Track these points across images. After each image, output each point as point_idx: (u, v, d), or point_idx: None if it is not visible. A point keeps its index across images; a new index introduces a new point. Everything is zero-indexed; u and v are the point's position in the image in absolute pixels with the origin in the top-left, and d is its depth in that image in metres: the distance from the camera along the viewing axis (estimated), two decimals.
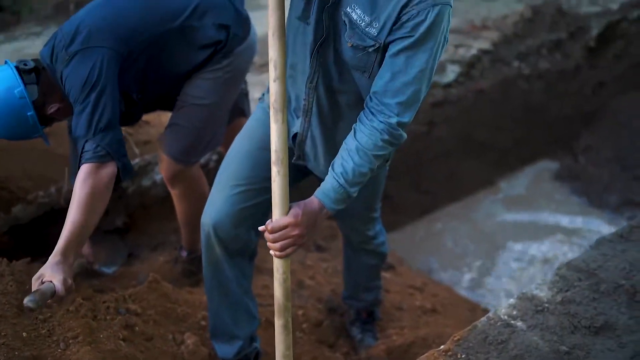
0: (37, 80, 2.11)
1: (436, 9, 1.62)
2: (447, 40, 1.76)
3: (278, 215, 1.67)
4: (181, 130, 2.46)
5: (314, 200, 1.72)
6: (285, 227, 1.66)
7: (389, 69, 1.67)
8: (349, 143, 1.72)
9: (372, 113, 1.70)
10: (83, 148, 2.06)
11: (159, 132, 3.32)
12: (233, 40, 2.37)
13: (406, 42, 1.65)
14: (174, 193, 2.64)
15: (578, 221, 4.40)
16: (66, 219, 2.00)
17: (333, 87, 1.86)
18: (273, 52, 1.60)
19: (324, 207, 1.72)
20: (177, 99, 2.46)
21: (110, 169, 2.08)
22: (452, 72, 4.14)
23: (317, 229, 1.78)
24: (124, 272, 2.80)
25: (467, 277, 3.87)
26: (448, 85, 4.13)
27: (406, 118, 1.69)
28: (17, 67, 2.09)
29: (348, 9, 1.73)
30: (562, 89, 4.86)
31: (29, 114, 2.09)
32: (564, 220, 4.41)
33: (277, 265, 1.70)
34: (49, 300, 1.88)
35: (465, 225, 4.28)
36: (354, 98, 1.86)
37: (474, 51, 4.25)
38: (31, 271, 2.16)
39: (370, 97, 1.71)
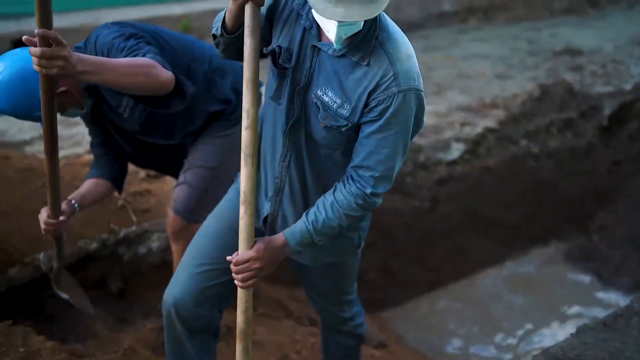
0: None
1: (400, 95, 1.70)
2: (423, 122, 1.85)
3: (243, 250, 1.81)
4: (189, 190, 2.59)
5: (280, 237, 1.85)
6: (247, 260, 1.79)
7: (362, 148, 1.77)
8: (327, 197, 1.83)
9: (351, 179, 1.80)
10: (144, 54, 2.11)
11: (158, 202, 3.43)
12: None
13: (376, 125, 1.74)
14: (176, 248, 2.72)
15: (588, 304, 4.28)
16: None
17: (304, 166, 1.92)
18: (246, 102, 1.73)
19: (287, 245, 1.84)
20: (186, 160, 2.62)
21: (167, 74, 2.08)
22: (456, 150, 4.17)
23: (277, 263, 1.88)
24: (110, 338, 2.82)
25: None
26: (453, 163, 4.15)
27: (380, 189, 1.80)
28: None
29: (319, 92, 1.80)
30: (574, 167, 4.84)
31: (38, 87, 2.19)
32: (574, 303, 4.30)
33: (240, 295, 1.84)
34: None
35: (470, 306, 4.20)
36: (324, 175, 1.91)
37: (479, 129, 4.29)
38: (11, 335, 2.20)
39: (350, 167, 1.81)
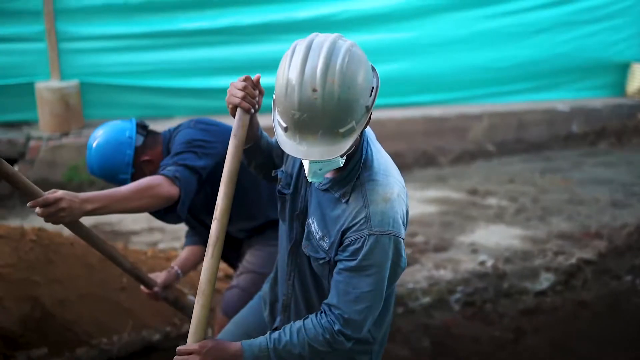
0: (145, 135, 2.63)
1: (372, 237, 1.68)
2: (402, 267, 1.79)
3: (190, 341, 1.74)
4: (239, 294, 2.72)
5: (236, 344, 1.77)
6: (188, 353, 1.71)
7: (334, 286, 1.76)
8: (297, 323, 1.80)
9: (324, 312, 1.78)
10: (164, 169, 2.38)
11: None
12: None
13: (348, 265, 1.72)
14: None
15: None
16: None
17: (308, 285, 1.96)
18: (219, 196, 1.81)
19: (241, 356, 1.75)
20: (239, 265, 2.81)
21: (174, 191, 2.32)
22: (545, 280, 3.94)
23: None
24: None
25: None
26: (541, 293, 3.90)
27: (349, 331, 1.74)
28: (137, 122, 2.64)
29: (310, 220, 1.86)
30: None
31: (128, 151, 2.55)
32: None
33: None
34: (24, 187, 1.94)
35: None
36: (325, 296, 1.93)
37: (574, 260, 4.02)
38: None
39: (324, 302, 1.80)
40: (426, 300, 3.78)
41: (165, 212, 2.43)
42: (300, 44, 1.61)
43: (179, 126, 2.66)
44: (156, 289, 2.69)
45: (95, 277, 3.32)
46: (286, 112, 1.59)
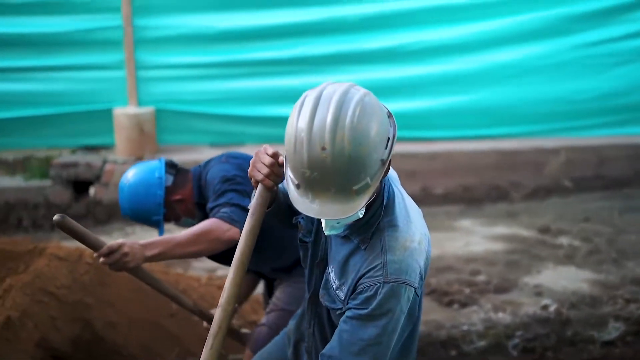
0: (175, 174, 2.66)
1: (387, 286, 1.61)
2: (418, 319, 1.71)
3: None
4: (269, 332, 2.68)
5: None
6: None
7: (337, 335, 1.67)
8: None
9: None
10: (217, 211, 2.38)
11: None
12: None
13: (357, 313, 1.64)
14: None
15: None
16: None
17: (327, 335, 1.89)
18: (227, 281, 1.72)
19: None
20: (270, 301, 2.81)
21: (234, 233, 2.32)
22: (614, 330, 3.67)
23: None
24: None
25: None
26: (609, 343, 3.64)
27: None
28: (165, 161, 2.68)
29: (329, 268, 1.81)
30: None
31: (158, 192, 2.58)
32: None
33: None
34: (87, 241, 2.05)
35: None
36: None
37: None
38: None
39: (319, 354, 1.71)
40: (482, 344, 3.61)
41: (222, 254, 2.44)
42: (310, 94, 1.56)
43: (209, 162, 2.66)
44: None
45: (146, 302, 3.37)
46: (296, 169, 1.53)
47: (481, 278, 4.32)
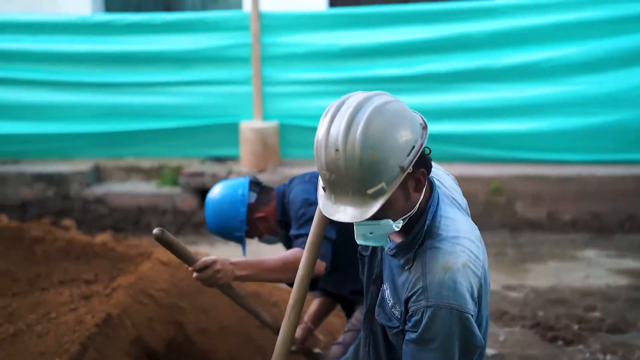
0: (259, 192, 2.73)
1: (430, 310, 1.57)
2: (477, 345, 1.62)
3: None
4: (342, 350, 2.71)
5: None
6: None
7: (403, 357, 1.67)
8: None
9: None
10: (303, 242, 2.40)
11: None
12: None
13: (412, 336, 1.63)
14: None
15: None
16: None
17: (380, 354, 1.88)
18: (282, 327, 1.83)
19: None
20: (348, 321, 2.84)
21: (321, 267, 2.40)
22: None
23: None
24: None
25: None
26: None
27: None
28: (250, 179, 2.76)
29: (384, 285, 1.80)
30: None
31: (241, 209, 2.66)
32: None
33: None
34: (183, 256, 2.16)
35: None
36: None
37: None
38: None
39: None
40: None
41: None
42: (336, 102, 1.60)
43: (292, 180, 2.70)
44: (294, 347, 2.74)
45: (237, 311, 3.46)
46: (320, 171, 1.59)
47: (595, 315, 3.99)
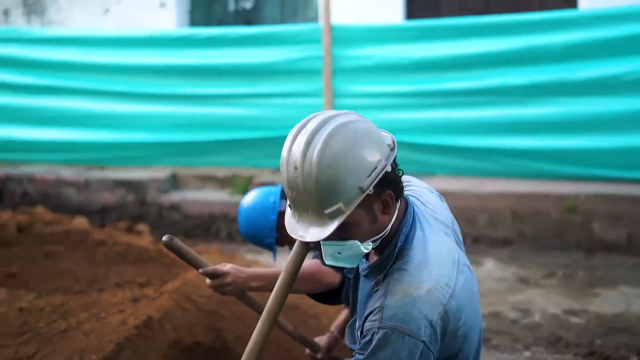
0: None
1: (381, 332, 1.54)
2: None
3: None
4: None
5: None
6: None
7: None
8: None
9: None
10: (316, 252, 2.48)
11: None
12: None
13: (359, 358, 1.60)
14: None
15: None
16: None
17: None
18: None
19: None
20: None
21: (335, 279, 2.38)
22: None
23: None
24: None
25: None
26: None
27: None
28: (282, 187, 2.78)
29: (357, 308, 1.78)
30: None
31: (272, 216, 2.70)
32: None
33: None
34: (191, 262, 2.19)
35: None
36: None
37: None
38: None
39: None
40: None
41: (324, 295, 2.49)
42: (304, 119, 1.61)
43: None
44: (319, 355, 2.77)
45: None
46: (284, 189, 1.60)
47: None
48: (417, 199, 1.77)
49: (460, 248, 1.79)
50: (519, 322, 4.15)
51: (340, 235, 1.56)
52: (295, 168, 1.52)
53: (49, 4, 7.79)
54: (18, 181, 6.74)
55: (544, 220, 5.67)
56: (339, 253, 1.60)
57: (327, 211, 1.51)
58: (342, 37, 6.23)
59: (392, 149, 1.59)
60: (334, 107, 6.34)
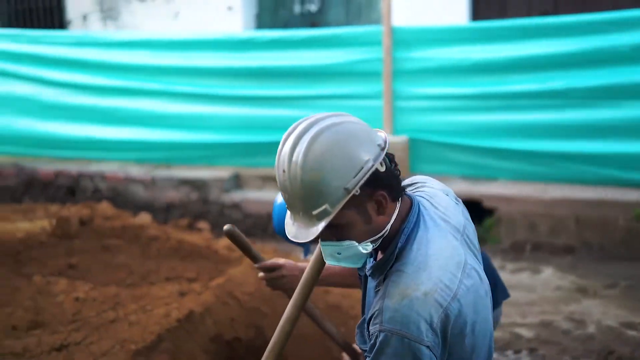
0: None
1: (382, 335, 1.54)
2: None
3: None
4: None
5: None
6: None
7: None
8: None
9: None
10: None
11: None
12: None
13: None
14: None
15: None
16: None
17: None
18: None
19: None
20: None
21: None
22: None
23: None
24: None
25: None
26: None
27: None
28: None
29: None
30: None
31: None
32: None
33: None
34: (249, 253, 2.25)
35: None
36: None
37: None
38: None
39: None
40: None
41: None
42: (293, 124, 1.61)
43: None
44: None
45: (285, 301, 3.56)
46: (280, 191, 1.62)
47: None
48: (428, 200, 1.75)
49: (472, 252, 1.75)
50: (570, 333, 4.01)
51: (335, 236, 1.58)
52: (284, 171, 1.54)
53: (123, 9, 8.14)
54: (90, 178, 7.08)
55: (610, 228, 5.44)
56: (338, 253, 1.62)
57: (314, 212, 1.53)
58: (403, 38, 6.20)
59: (383, 149, 1.58)
60: (393, 109, 6.32)
